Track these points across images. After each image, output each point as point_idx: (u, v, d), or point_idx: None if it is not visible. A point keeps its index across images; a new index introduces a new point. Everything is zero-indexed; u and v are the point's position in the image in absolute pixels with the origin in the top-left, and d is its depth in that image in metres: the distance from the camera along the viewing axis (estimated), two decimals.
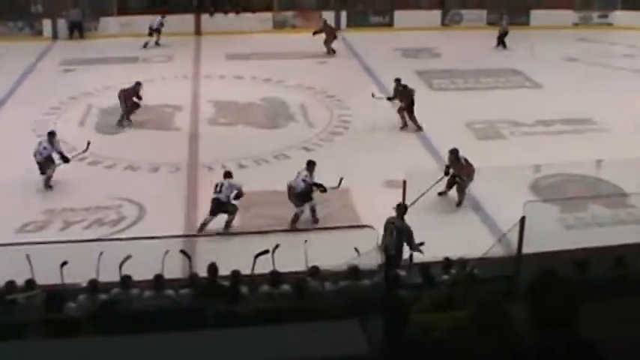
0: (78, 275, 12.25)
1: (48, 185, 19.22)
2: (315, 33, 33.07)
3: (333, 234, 14.80)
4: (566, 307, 3.67)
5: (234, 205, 17.39)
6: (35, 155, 19.26)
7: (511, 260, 12.54)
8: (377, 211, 15.97)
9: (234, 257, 12.91)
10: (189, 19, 36.34)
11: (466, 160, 18.57)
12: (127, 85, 24.12)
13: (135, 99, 23.85)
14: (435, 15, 38.18)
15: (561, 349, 3.62)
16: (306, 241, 13.27)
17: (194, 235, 16.35)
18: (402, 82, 24.27)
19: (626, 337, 4.38)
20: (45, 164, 19.27)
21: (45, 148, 19.36)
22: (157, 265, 12.37)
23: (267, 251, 12.65)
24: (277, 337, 4.20)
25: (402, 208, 15.04)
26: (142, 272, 12.36)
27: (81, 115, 25.04)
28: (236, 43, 34.27)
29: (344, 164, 20.34)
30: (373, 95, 24.60)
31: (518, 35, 35.68)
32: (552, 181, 20.08)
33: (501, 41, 34.91)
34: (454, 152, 18.72)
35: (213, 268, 12.40)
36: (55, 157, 19.42)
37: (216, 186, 17.43)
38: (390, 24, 38.01)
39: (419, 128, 23.62)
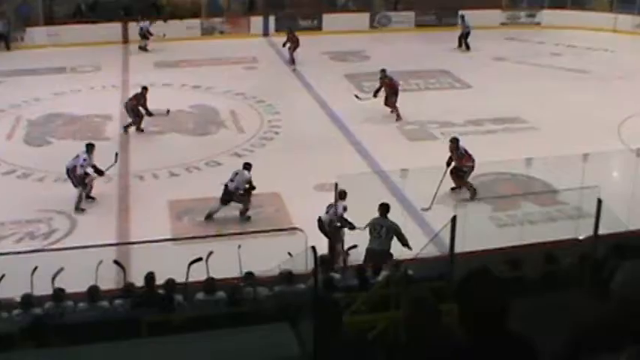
0: (11, 290, 12.10)
1: (90, 197, 18.99)
2: (284, 44, 32.97)
3: (265, 239, 14.80)
4: (496, 304, 3.73)
5: (242, 195, 17.97)
6: (71, 169, 18.84)
7: (444, 260, 12.65)
8: (309, 214, 16.03)
9: (168, 265, 12.84)
10: (116, 27, 36.04)
11: (466, 150, 19.27)
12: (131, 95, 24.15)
13: (141, 108, 23.74)
14: (364, 18, 38.39)
15: (492, 345, 3.68)
16: (239, 246, 13.27)
17: (127, 243, 16.23)
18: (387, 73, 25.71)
19: (557, 331, 4.47)
20: (83, 177, 18.82)
21: (85, 160, 18.89)
22: (90, 277, 12.28)
23: (200, 259, 12.64)
24: (211, 343, 4.22)
25: (385, 207, 15.18)
26: (75, 284, 12.26)
27: (9, 127, 24.70)
28: (164, 50, 34.11)
29: (276, 169, 20.41)
30: (357, 97, 25.68)
31: (447, 36, 36.07)
32: (484, 180, 20.31)
33: (464, 42, 35.42)
34: (455, 141, 19.42)
35: (150, 277, 12.33)
36: (89, 170, 19.03)
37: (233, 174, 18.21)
38: (318, 27, 38.09)
39: (399, 117, 24.92)
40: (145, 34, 34.69)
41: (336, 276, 12.86)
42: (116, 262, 13.61)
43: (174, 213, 17.83)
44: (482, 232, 15.60)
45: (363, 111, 25.40)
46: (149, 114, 23.77)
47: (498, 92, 27.90)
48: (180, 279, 12.29)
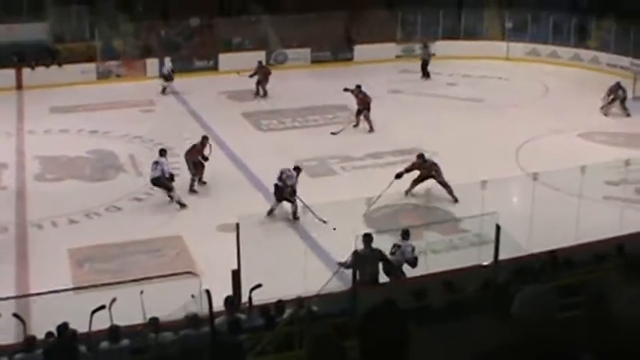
0: None
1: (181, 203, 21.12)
2: (251, 75, 33.27)
3: (168, 282, 14.59)
4: (397, 336, 3.69)
5: (294, 192, 19.65)
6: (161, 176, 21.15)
7: (349, 294, 12.65)
8: (212, 256, 15.92)
9: (70, 315, 12.54)
10: (9, 74, 35.34)
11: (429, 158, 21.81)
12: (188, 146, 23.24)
13: (200, 158, 22.75)
14: (260, 56, 38.44)
15: None
16: (142, 292, 13.05)
17: (26, 295, 15.86)
18: (362, 89, 28.30)
19: (460, 358, 4.47)
20: (167, 181, 21.23)
21: (165, 164, 21.32)
22: None
23: (103, 306, 12.38)
24: None
25: (369, 237, 15.55)
26: None
27: None
28: (60, 95, 33.56)
29: (177, 211, 20.25)
30: (334, 133, 27.36)
31: (343, 71, 36.40)
32: (386, 211, 20.48)
33: (425, 71, 36.17)
34: (422, 156, 21.79)
35: (63, 327, 11.99)
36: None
37: (281, 173, 19.94)
38: (215, 67, 38.04)
39: (372, 129, 27.63)
40: (168, 75, 34.43)
41: (242, 317, 12.74)
42: (15, 315, 13.24)
43: (74, 261, 17.51)
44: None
45: (262, 149, 25.43)
46: (199, 172, 22.71)
47: (396, 124, 28.21)
48: (82, 328, 12.01)
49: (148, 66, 37.08)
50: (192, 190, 22.21)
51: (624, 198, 21.25)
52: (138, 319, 12.72)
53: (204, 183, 22.77)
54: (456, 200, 20.96)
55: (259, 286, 14.11)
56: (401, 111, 30.28)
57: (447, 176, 21.38)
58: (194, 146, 22.95)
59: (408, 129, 27.52)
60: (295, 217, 19.84)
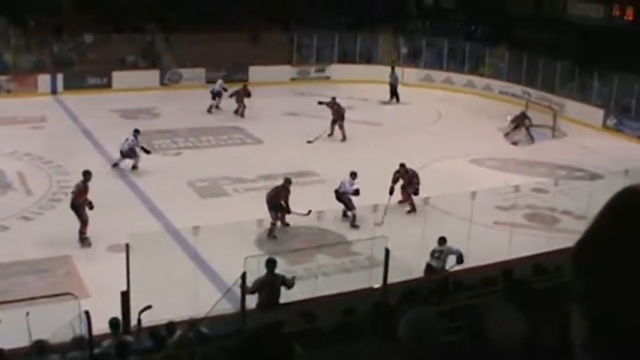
0: None
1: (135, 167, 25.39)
2: (231, 96, 33.48)
3: (54, 304, 14.31)
4: (280, 358, 3.72)
5: (350, 200, 21.48)
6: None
7: (238, 315, 12.64)
8: (102, 276, 15.71)
9: None
10: None
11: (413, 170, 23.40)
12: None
13: (283, 203, 21.25)
14: (154, 75, 38.22)
15: None
16: (27, 313, 12.79)
17: None
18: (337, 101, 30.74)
19: None
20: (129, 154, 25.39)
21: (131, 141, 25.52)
22: None
23: None
24: None
25: (273, 262, 15.67)
26: None
27: None
28: None
29: (66, 231, 19.91)
30: (310, 141, 29.20)
31: None
32: (277, 234, 20.52)
33: (394, 94, 36.99)
34: (403, 165, 23.30)
35: None
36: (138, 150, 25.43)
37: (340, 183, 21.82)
38: (108, 85, 37.59)
39: (344, 138, 30.07)
40: (218, 93, 34.17)
41: (129, 339, 12.59)
42: None
43: None
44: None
45: (154, 168, 25.25)
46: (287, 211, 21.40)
47: (290, 147, 28.32)
48: None
49: (39, 82, 36.43)
50: (271, 236, 20.87)
51: (513, 223, 21.72)
52: (24, 342, 12.47)
53: (287, 225, 21.50)
54: (411, 211, 22.84)
55: (149, 307, 13.97)
56: (295, 133, 30.37)
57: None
58: (276, 189, 21.71)
59: (302, 152, 27.67)
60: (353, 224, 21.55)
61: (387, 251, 13.69)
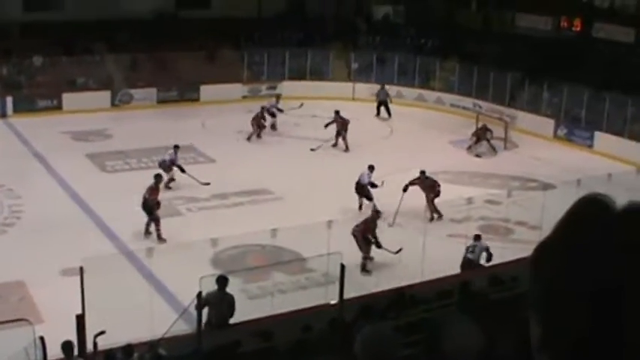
0: None
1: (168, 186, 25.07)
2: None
3: (6, 330, 14.15)
4: None
5: (369, 191, 24.39)
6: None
7: (195, 336, 12.56)
8: (56, 301, 15.55)
9: None
10: None
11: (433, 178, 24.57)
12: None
13: (370, 236, 20.52)
14: (105, 96, 37.95)
15: None
16: None
17: None
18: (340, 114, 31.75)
19: None
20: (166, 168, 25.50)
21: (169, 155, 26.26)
22: None
23: None
24: None
25: (224, 280, 15.39)
26: None
27: None
28: None
29: (19, 255, 19.71)
30: (313, 149, 30.53)
31: (190, 111, 36.33)
32: (232, 253, 20.49)
33: (386, 109, 37.56)
34: (423, 172, 24.43)
35: None
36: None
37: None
38: (58, 107, 37.24)
39: (347, 149, 31.45)
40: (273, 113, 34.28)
41: None
42: None
43: None
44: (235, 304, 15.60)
45: (107, 190, 25.04)
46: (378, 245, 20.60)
47: (243, 165, 28.25)
48: None
49: None
50: (364, 269, 20.39)
51: (467, 235, 21.81)
52: None
53: (372, 259, 20.65)
54: (433, 219, 23.57)
55: (103, 332, 13.86)
56: (248, 151, 30.37)
57: (294, 217, 21.48)
58: (365, 221, 20.90)
59: (255, 169, 27.63)
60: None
61: (343, 267, 13.72)
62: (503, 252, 19.49)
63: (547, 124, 35.32)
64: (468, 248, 19.66)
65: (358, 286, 16.02)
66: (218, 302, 15.08)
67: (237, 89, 40.60)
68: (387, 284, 17.18)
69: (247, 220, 22.24)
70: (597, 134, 33.67)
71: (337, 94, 38.86)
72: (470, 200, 22.83)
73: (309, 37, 42.95)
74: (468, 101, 38.73)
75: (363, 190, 24.34)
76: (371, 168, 24.68)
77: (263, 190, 25.57)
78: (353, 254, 17.85)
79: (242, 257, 20.48)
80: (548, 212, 18.40)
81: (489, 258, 19.29)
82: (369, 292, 16.69)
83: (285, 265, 19.70)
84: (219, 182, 26.02)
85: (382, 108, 38.06)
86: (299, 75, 41.89)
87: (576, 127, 34.84)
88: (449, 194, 24.23)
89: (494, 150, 32.01)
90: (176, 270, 18.20)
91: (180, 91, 39.14)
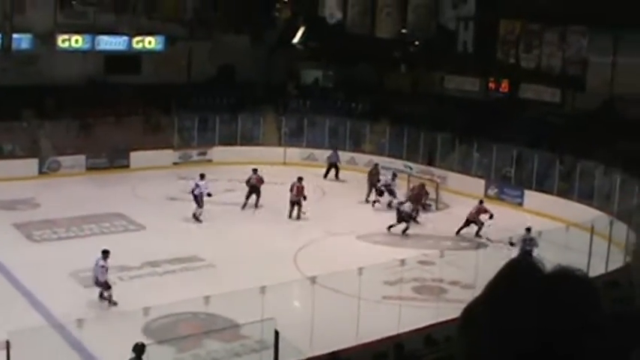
0: None
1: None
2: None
3: None
4: None
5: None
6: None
7: None
8: None
9: None
10: None
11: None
12: None
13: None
14: (32, 164, 37.47)
15: None
16: None
17: None
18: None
19: None
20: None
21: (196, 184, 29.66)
22: None
23: None
24: None
25: (141, 347, 15.22)
26: None
27: None
28: None
29: None
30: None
31: (120, 178, 36.07)
32: (165, 321, 20.22)
33: (335, 172, 38.14)
34: (482, 202, 29.98)
35: None
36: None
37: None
38: None
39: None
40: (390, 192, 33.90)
41: None
42: None
43: None
44: None
45: (35, 260, 24.62)
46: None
47: (174, 232, 28.05)
48: None
49: None
50: None
51: (402, 296, 21.88)
52: None
53: None
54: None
55: None
56: (178, 218, 30.14)
57: (227, 283, 21.34)
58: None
59: (186, 236, 27.48)
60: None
61: (277, 333, 13.63)
62: (438, 312, 19.53)
63: (478, 184, 35.76)
64: (524, 240, 24.28)
65: (293, 352, 15.90)
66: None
67: (167, 155, 40.38)
68: (322, 348, 17.08)
69: (179, 287, 22.04)
70: (527, 192, 34.24)
71: (268, 159, 38.91)
72: (403, 262, 22.86)
73: (240, 102, 43.11)
74: (399, 163, 39.03)
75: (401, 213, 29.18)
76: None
77: (194, 257, 25.38)
78: (287, 319, 17.72)
79: (175, 326, 20.23)
80: (482, 271, 18.55)
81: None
82: (304, 356, 16.59)
83: (219, 332, 19.52)
84: (150, 250, 25.75)
85: (332, 170, 38.60)
86: (230, 140, 41.90)
87: (506, 185, 35.40)
88: (382, 256, 24.29)
89: (423, 209, 32.27)
90: (107, 341, 17.93)
91: (110, 157, 38.86)
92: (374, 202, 33.07)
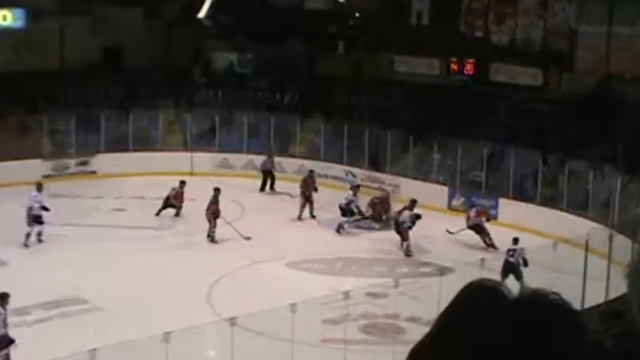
0: None
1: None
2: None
3: None
4: None
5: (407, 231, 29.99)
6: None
7: None
8: None
9: None
10: None
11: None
12: None
13: None
14: None
15: None
16: None
17: None
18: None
19: None
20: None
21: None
22: None
23: None
24: None
25: None
26: None
27: None
28: None
29: None
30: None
31: None
32: None
33: (271, 182, 38.54)
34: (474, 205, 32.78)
35: None
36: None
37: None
38: None
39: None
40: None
41: None
42: None
43: None
44: None
45: None
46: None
47: (46, 269, 27.43)
48: None
49: None
50: None
51: (346, 339, 21.78)
52: None
53: None
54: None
55: None
56: (51, 251, 29.67)
57: (118, 330, 21.13)
58: None
59: (63, 273, 26.90)
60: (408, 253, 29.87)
61: None
62: (394, 358, 19.52)
63: (439, 193, 35.89)
64: (508, 251, 25.89)
65: None
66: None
67: (35, 166, 39.36)
68: None
69: (56, 339, 21.70)
70: (502, 201, 34.36)
71: (171, 169, 38.47)
72: (347, 294, 22.79)
73: (131, 95, 42.59)
74: (338, 169, 39.01)
75: (400, 229, 30.33)
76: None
77: (75, 299, 24.99)
78: None
79: None
80: (447, 301, 18.47)
81: (525, 263, 25.32)
82: None
83: None
84: (16, 293, 25.16)
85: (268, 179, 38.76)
86: (119, 145, 41.12)
87: (475, 194, 35.47)
88: (320, 288, 24.28)
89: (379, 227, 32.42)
90: None
91: None
92: (339, 226, 32.67)
